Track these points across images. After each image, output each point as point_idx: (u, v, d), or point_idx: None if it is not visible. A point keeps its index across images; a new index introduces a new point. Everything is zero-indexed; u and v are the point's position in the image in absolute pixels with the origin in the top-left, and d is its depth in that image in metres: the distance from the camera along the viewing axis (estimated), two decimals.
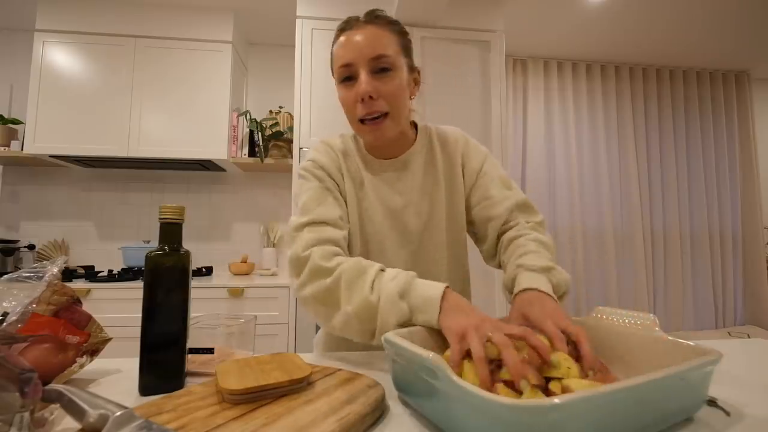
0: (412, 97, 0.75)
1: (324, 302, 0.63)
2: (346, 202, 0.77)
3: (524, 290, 0.61)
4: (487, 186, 0.80)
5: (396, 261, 0.77)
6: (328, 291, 0.62)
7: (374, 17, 0.71)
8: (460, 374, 0.45)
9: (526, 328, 0.47)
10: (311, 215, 0.70)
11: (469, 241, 0.86)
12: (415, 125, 0.84)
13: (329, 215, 0.70)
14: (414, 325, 0.56)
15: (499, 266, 0.80)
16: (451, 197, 0.81)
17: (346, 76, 0.70)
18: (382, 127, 0.70)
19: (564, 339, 0.48)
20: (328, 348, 0.84)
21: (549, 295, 0.59)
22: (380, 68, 0.68)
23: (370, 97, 0.68)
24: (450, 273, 0.81)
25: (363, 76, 0.68)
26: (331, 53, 0.75)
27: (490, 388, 0.40)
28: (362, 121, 0.71)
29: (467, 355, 0.46)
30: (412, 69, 0.75)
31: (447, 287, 0.57)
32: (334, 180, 0.76)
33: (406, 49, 0.74)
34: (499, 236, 0.78)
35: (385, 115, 0.70)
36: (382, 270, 0.62)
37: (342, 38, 0.71)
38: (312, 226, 0.69)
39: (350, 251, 0.76)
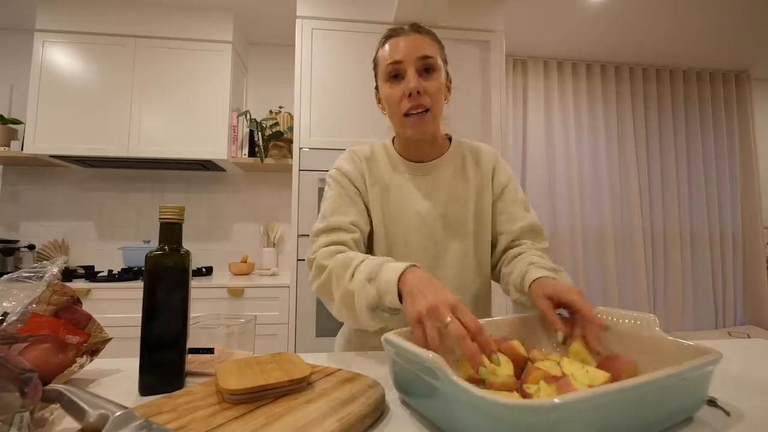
0: (446, 101, 0.81)
1: (324, 295, 0.70)
2: (369, 206, 0.82)
3: (541, 278, 0.66)
4: (507, 202, 0.85)
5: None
6: (324, 285, 0.69)
7: (419, 28, 0.79)
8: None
9: (477, 323, 0.48)
10: (326, 222, 0.76)
11: None
12: (449, 138, 0.90)
13: (342, 221, 0.76)
14: (388, 308, 0.60)
15: (497, 278, 0.85)
16: (481, 210, 0.84)
17: (393, 75, 0.77)
18: (424, 121, 0.76)
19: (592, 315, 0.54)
20: (348, 343, 0.88)
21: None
22: (425, 68, 0.76)
23: (417, 93, 0.74)
24: (473, 283, 0.84)
25: (411, 73, 0.75)
26: (377, 56, 0.82)
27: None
28: (406, 115, 0.76)
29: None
30: (447, 75, 0.82)
31: (411, 266, 0.60)
32: (355, 186, 0.82)
33: (444, 57, 0.81)
34: (504, 250, 0.83)
35: (427, 111, 0.76)
36: (364, 260, 0.66)
37: (389, 43, 0.78)
38: (326, 232, 0.76)
39: (375, 254, 0.81)
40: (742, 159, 3.19)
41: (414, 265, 0.60)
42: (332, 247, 0.72)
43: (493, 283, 0.90)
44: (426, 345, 0.47)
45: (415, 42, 0.76)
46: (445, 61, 0.82)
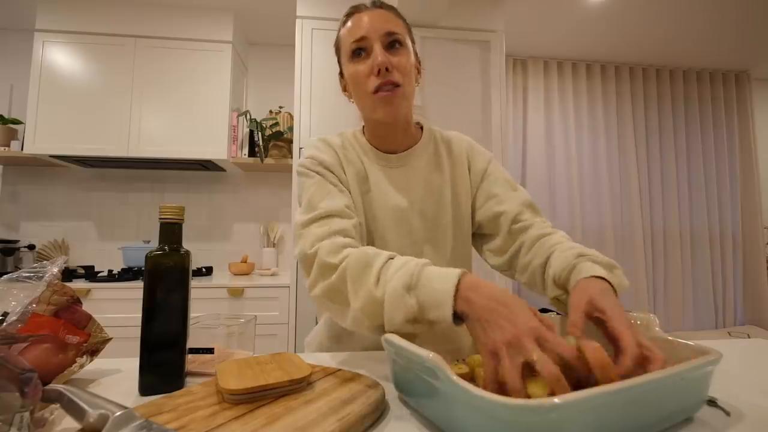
0: (417, 84, 0.75)
1: (334, 300, 0.58)
2: (350, 194, 0.75)
3: (595, 277, 0.54)
4: (490, 187, 0.79)
5: None
6: (335, 288, 0.57)
7: (382, 3, 0.74)
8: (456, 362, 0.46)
9: (571, 349, 0.39)
10: (317, 210, 0.66)
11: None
12: (420, 127, 0.84)
13: (335, 206, 0.66)
14: (429, 322, 0.50)
15: (508, 267, 0.75)
16: (458, 201, 0.79)
17: (358, 52, 0.70)
18: (395, 98, 0.69)
19: (640, 362, 0.41)
20: (320, 347, 0.83)
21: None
22: (392, 44, 0.70)
23: (386, 69, 0.68)
24: None
25: (377, 48, 0.68)
26: (339, 37, 0.76)
27: None
28: (375, 92, 0.69)
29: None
30: (416, 55, 0.76)
31: (463, 274, 0.49)
32: (335, 174, 0.73)
33: (411, 36, 0.76)
34: (511, 232, 0.74)
35: (398, 86, 0.69)
36: (392, 258, 0.56)
37: (351, 19, 0.72)
38: (319, 221, 0.65)
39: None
40: (742, 159, 3.19)
41: (465, 272, 0.50)
42: (337, 240, 0.61)
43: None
44: (497, 380, 0.40)
45: (380, 17, 0.70)
46: (413, 41, 0.76)
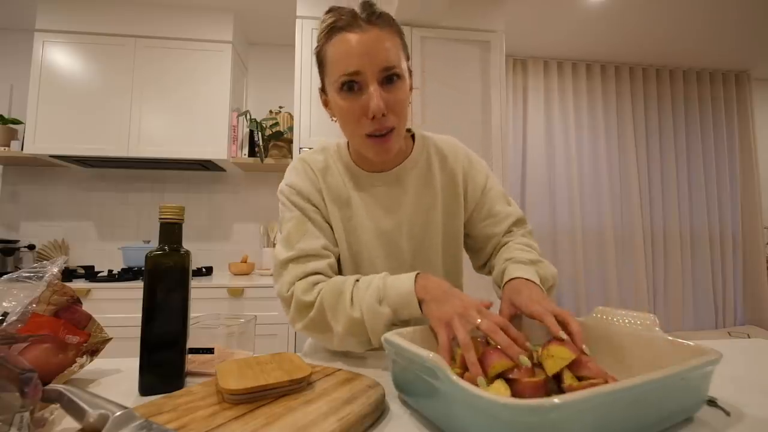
0: (409, 103, 0.70)
1: (317, 331, 0.65)
2: (331, 224, 0.74)
3: (512, 279, 0.64)
4: (492, 203, 0.79)
5: None
6: (316, 321, 0.64)
7: (376, 16, 0.63)
8: (453, 361, 0.48)
9: (504, 320, 0.50)
10: (294, 251, 0.68)
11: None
12: (412, 135, 0.79)
13: (311, 247, 0.68)
14: (406, 321, 0.60)
15: (489, 272, 0.81)
16: (449, 215, 0.78)
17: (350, 85, 0.63)
18: (389, 143, 0.65)
19: (552, 314, 0.51)
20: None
21: (535, 284, 0.63)
22: (389, 78, 0.63)
23: (382, 114, 0.62)
24: None
25: (373, 89, 0.61)
26: (324, 52, 0.66)
27: (482, 372, 0.44)
28: (368, 135, 0.65)
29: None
30: (410, 73, 0.70)
31: (417, 275, 0.60)
32: (314, 205, 0.72)
33: (406, 52, 0.69)
34: (495, 250, 0.79)
35: (392, 130, 0.65)
36: (357, 281, 0.64)
37: (342, 39, 0.62)
38: (295, 262, 0.68)
39: (342, 274, 0.74)
40: (742, 159, 3.19)
41: (418, 273, 0.61)
42: (310, 279, 0.66)
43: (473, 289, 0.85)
44: (449, 348, 0.49)
45: (376, 43, 0.61)
46: (407, 54, 0.68)
